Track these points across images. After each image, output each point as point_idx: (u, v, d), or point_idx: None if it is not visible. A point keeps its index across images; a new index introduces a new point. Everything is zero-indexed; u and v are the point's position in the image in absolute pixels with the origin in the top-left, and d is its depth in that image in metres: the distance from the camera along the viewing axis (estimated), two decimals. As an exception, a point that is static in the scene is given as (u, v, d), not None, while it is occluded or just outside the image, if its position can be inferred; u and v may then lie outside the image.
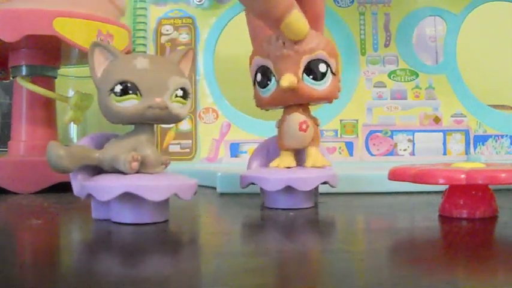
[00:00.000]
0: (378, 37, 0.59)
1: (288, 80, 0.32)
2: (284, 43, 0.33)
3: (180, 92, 0.29)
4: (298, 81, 0.33)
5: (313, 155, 0.35)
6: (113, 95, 0.28)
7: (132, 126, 0.30)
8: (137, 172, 0.29)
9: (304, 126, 0.34)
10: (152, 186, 0.27)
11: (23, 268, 0.21)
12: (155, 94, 0.28)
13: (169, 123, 0.31)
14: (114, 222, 0.29)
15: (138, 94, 0.28)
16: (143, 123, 0.29)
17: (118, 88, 0.28)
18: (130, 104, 0.28)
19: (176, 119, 0.30)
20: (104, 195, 0.28)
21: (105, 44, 0.29)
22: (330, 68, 0.34)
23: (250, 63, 0.35)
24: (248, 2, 0.31)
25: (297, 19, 0.31)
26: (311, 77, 0.33)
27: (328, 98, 0.34)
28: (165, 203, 0.29)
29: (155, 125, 0.31)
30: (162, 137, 0.57)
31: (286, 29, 0.31)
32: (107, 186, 0.28)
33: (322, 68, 0.33)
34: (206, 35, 0.58)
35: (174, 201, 0.29)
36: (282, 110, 0.35)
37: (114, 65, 0.28)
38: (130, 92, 0.28)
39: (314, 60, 0.33)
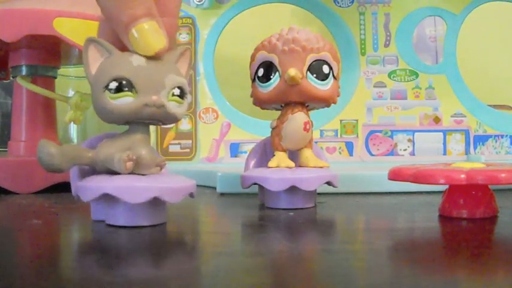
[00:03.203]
0: (378, 37, 0.59)
1: (295, 70, 0.32)
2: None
3: (177, 91, 0.28)
4: (302, 77, 0.33)
5: (310, 156, 0.35)
6: (107, 92, 0.27)
7: (127, 127, 0.29)
8: (131, 173, 0.27)
9: (308, 127, 0.34)
10: (130, 188, 0.26)
11: (22, 268, 0.21)
12: (151, 92, 0.27)
13: (165, 123, 0.29)
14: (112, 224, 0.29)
15: (134, 91, 0.27)
16: (138, 122, 0.28)
17: (113, 85, 0.27)
18: (125, 101, 0.27)
19: (173, 119, 0.28)
20: (86, 196, 0.27)
21: (101, 40, 0.28)
22: (332, 71, 0.34)
23: (253, 59, 0.35)
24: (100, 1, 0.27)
25: (148, 30, 0.27)
26: (314, 75, 0.33)
27: (328, 100, 0.35)
28: (160, 205, 0.28)
29: (150, 125, 0.29)
30: (162, 137, 0.57)
31: (133, 39, 0.27)
32: (90, 187, 0.27)
33: (325, 69, 0.34)
34: (206, 35, 0.58)
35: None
36: (279, 111, 0.35)
37: (109, 62, 0.27)
38: (126, 89, 0.27)
39: (319, 60, 0.33)
